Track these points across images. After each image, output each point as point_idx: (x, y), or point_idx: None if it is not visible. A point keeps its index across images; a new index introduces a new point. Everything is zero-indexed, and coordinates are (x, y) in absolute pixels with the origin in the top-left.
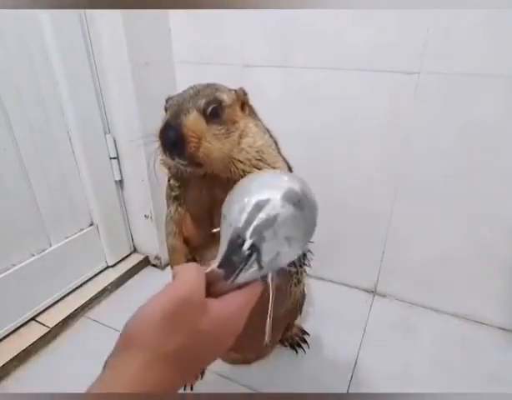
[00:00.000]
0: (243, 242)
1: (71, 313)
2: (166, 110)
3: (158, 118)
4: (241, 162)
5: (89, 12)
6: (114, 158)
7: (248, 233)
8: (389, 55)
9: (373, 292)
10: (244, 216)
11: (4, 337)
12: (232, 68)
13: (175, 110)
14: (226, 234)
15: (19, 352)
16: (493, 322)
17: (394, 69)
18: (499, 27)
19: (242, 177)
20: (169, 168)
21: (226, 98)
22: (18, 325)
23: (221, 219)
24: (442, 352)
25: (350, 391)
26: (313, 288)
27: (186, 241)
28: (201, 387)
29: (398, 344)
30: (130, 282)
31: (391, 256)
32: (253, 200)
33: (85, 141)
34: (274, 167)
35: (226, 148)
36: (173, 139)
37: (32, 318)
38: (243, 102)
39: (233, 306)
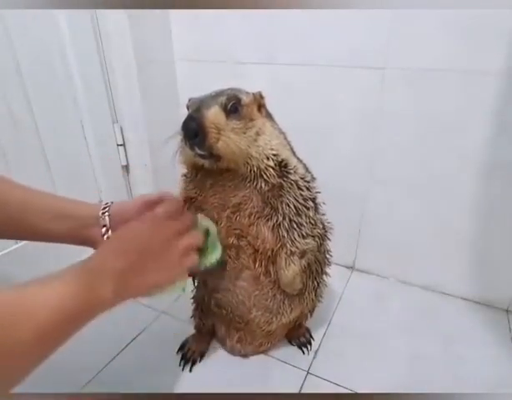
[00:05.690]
0: None
1: None
2: (188, 108)
3: (160, 110)
4: (255, 158)
5: (100, 13)
6: (121, 145)
7: None
8: (358, 52)
9: (351, 267)
10: None
11: None
12: (224, 65)
13: (197, 105)
14: None
15: None
16: (454, 293)
17: (363, 65)
18: (452, 27)
19: (256, 173)
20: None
21: (244, 98)
22: None
23: None
24: (407, 316)
25: (322, 343)
26: None
27: None
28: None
29: (368, 310)
30: None
31: (367, 234)
32: None
33: (96, 129)
34: (287, 165)
35: (243, 143)
36: (194, 130)
37: None
38: (259, 104)
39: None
